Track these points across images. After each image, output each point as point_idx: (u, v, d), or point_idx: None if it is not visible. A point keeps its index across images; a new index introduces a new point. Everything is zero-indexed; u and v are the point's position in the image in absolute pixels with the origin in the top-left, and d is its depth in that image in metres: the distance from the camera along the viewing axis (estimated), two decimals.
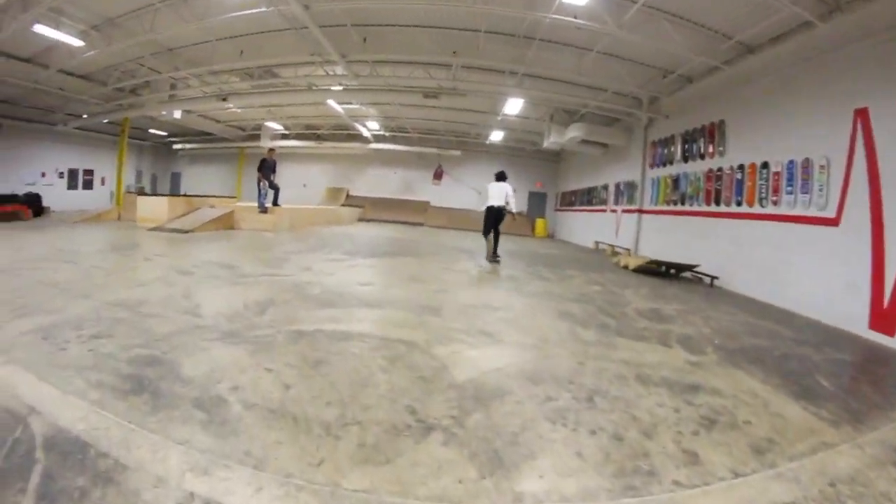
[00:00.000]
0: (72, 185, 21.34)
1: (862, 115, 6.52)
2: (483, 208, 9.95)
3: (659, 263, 10.60)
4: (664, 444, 2.51)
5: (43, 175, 19.61)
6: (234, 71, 13.33)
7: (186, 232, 11.25)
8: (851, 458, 2.54)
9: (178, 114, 17.60)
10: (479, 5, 8.40)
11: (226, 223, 13.12)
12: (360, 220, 23.37)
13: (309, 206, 20.16)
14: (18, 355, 3.01)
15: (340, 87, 13.83)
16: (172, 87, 14.93)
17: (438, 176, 25.23)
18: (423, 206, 25.07)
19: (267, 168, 14.17)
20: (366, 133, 22.30)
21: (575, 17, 8.09)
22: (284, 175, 24.26)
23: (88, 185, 22.25)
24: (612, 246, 16.00)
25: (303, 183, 24.13)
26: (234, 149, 25.73)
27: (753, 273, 8.73)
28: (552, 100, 13.70)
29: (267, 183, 14.34)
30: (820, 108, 7.42)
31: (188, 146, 26.10)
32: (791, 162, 7.94)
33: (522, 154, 24.00)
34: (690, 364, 3.98)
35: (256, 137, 23.46)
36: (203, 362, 3.19)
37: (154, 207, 13.02)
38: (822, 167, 7.17)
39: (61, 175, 20.75)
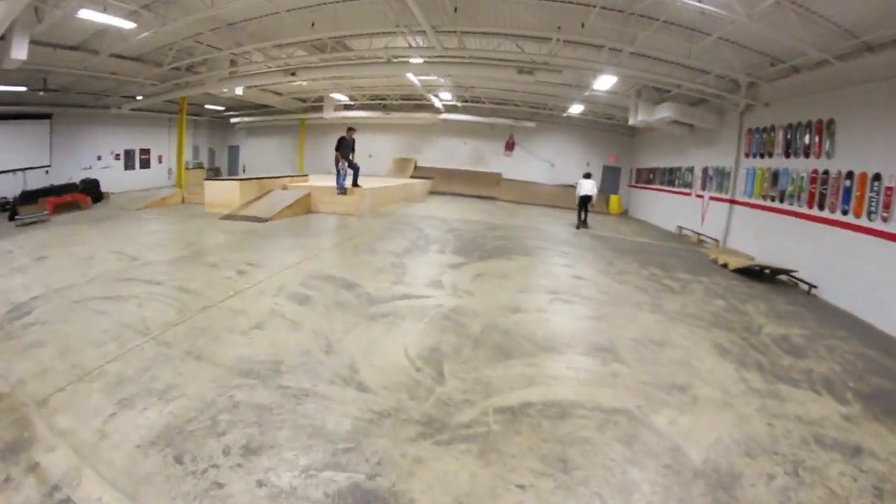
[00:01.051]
0: (129, 166, 21.77)
1: None
2: (577, 195, 16.16)
3: (761, 267, 10.86)
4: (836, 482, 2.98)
5: (99, 158, 19.97)
6: (300, 43, 13.07)
7: (265, 220, 11.05)
8: None
9: (239, 90, 17.52)
10: None
11: (303, 207, 12.91)
12: (431, 192, 23.59)
13: (383, 181, 19.16)
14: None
15: (421, 60, 13.33)
16: (233, 62, 14.70)
17: (510, 147, 25.27)
18: (496, 179, 25.11)
19: (346, 147, 14.13)
20: (438, 104, 22.40)
21: (700, 2, 8.15)
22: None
23: (146, 164, 22.65)
24: (698, 234, 16.17)
25: (368, 154, 23.36)
26: (294, 120, 25.87)
27: (856, 288, 8.81)
28: (648, 78, 13.34)
29: (346, 163, 14.33)
30: None
31: (246, 119, 25.96)
32: None
33: (597, 127, 24.04)
34: (846, 414, 4.43)
35: (318, 108, 23.77)
36: (436, 490, 2.67)
37: (224, 192, 12.72)
38: None
39: (117, 157, 21.11)
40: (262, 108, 24.26)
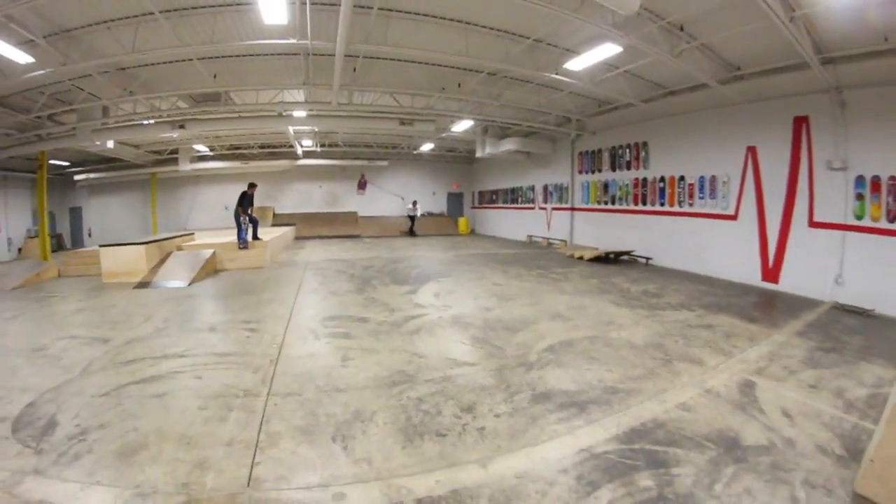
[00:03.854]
0: None
1: (752, 150, 11.95)
2: (407, 215, 25.96)
3: (608, 253, 15.69)
4: (707, 342, 7.26)
5: None
6: (182, 95, 13.27)
7: (188, 285, 10.97)
8: (774, 340, 7.47)
9: (111, 143, 16.95)
10: (497, 62, 10.87)
11: (212, 266, 12.77)
12: (297, 238, 25.03)
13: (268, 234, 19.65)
14: None
15: (304, 114, 15.18)
16: (105, 112, 13.87)
17: (363, 186, 28.40)
18: (353, 218, 28.01)
19: (247, 202, 14.52)
20: (299, 150, 24.27)
21: (565, 77, 11.46)
22: (207, 199, 25.63)
23: None
24: (547, 239, 21.33)
25: (224, 206, 23.75)
26: (144, 175, 24.74)
27: (679, 253, 14.20)
28: (500, 121, 17.08)
29: (247, 217, 15.19)
30: (725, 143, 12.38)
31: (92, 176, 24.22)
32: (702, 177, 13.36)
33: (440, 160, 28.81)
34: (697, 316, 8.74)
35: (171, 161, 23.83)
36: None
37: (127, 259, 11.87)
38: (724, 182, 12.63)
39: None
40: (109, 163, 23.15)
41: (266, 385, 4.97)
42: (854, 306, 9.41)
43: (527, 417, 4.60)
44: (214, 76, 11.69)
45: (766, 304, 9.81)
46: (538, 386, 5.46)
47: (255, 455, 3.63)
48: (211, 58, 10.75)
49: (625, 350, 6.79)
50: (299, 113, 15.24)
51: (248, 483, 3.27)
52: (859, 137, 9.63)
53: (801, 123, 10.80)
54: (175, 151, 22.65)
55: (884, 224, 9.21)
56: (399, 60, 11.55)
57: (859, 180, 9.63)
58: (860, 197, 9.61)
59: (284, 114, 15.30)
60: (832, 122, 10.07)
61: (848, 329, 8.09)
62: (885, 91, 9.12)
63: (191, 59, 10.55)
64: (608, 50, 9.38)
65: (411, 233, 25.70)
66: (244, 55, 10.86)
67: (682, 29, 9.08)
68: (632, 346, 6.95)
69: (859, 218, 9.65)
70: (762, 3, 6.95)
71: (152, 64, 10.95)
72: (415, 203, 26.06)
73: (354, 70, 11.53)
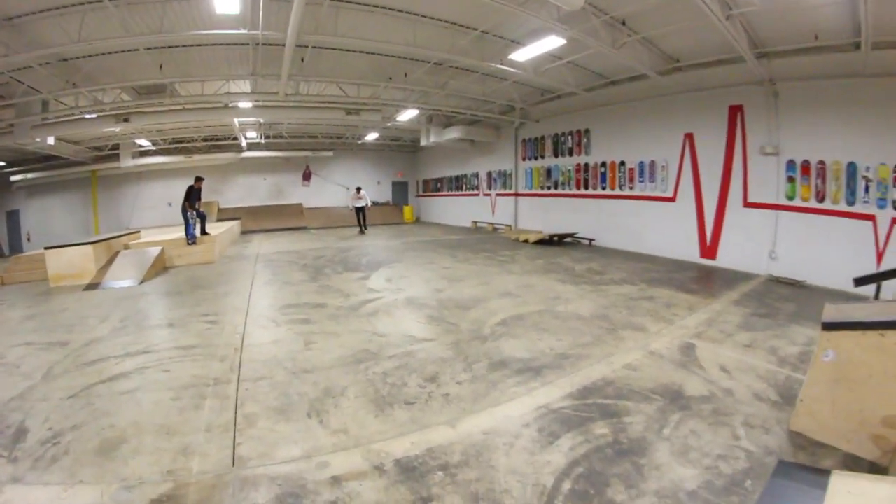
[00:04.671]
0: None
1: (689, 137, 12.55)
2: (353, 207, 22.00)
3: (551, 236, 16.23)
4: (649, 311, 7.69)
5: None
6: (126, 87, 12.76)
7: (139, 283, 10.59)
8: (712, 308, 7.97)
9: (51, 139, 16.07)
10: (444, 52, 10.80)
11: (161, 264, 12.42)
12: (243, 232, 24.35)
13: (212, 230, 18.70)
14: None
15: (250, 104, 14.79)
16: (44, 106, 13.16)
17: (307, 177, 27.98)
18: (299, 209, 27.53)
19: (194, 197, 14.14)
20: (243, 143, 23.58)
21: (510, 68, 11.58)
22: (150, 196, 24.45)
23: None
24: (492, 224, 21.71)
25: (168, 202, 22.76)
26: (84, 173, 23.27)
27: (620, 234, 14.78)
28: (445, 110, 17.19)
29: (195, 212, 14.83)
30: (663, 130, 13.15)
31: (30, 176, 22.55)
32: (642, 162, 13.90)
33: (385, 149, 28.68)
34: (639, 290, 9.20)
35: (112, 157, 22.59)
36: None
37: (75, 260, 11.27)
38: (663, 167, 13.19)
39: None
40: (47, 161, 21.57)
41: (235, 372, 4.98)
42: (787, 278, 10.14)
43: (487, 383, 4.90)
44: (161, 67, 11.26)
45: (705, 278, 10.39)
46: (494, 355, 5.73)
47: (235, 437, 3.66)
48: (158, 48, 10.40)
49: (572, 321, 7.12)
50: (245, 104, 14.87)
51: (234, 463, 3.31)
52: (790, 125, 10.35)
53: (736, 112, 11.45)
54: (116, 147, 21.56)
55: (813, 204, 9.96)
56: (347, 51, 11.50)
57: (790, 164, 10.33)
58: (791, 179, 10.32)
59: (230, 105, 14.96)
60: (765, 111, 10.75)
61: (781, 298, 8.69)
62: (814, 84, 9.85)
63: (137, 50, 10.24)
64: (552, 42, 9.55)
65: (362, 231, 22.07)
66: (192, 45, 10.48)
67: (624, 23, 9.33)
68: (579, 318, 7.29)
69: (790, 198, 10.36)
70: (700, 2, 7.31)
71: (97, 55, 10.41)
72: (359, 190, 21.88)
73: (303, 60, 11.42)
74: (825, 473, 2.68)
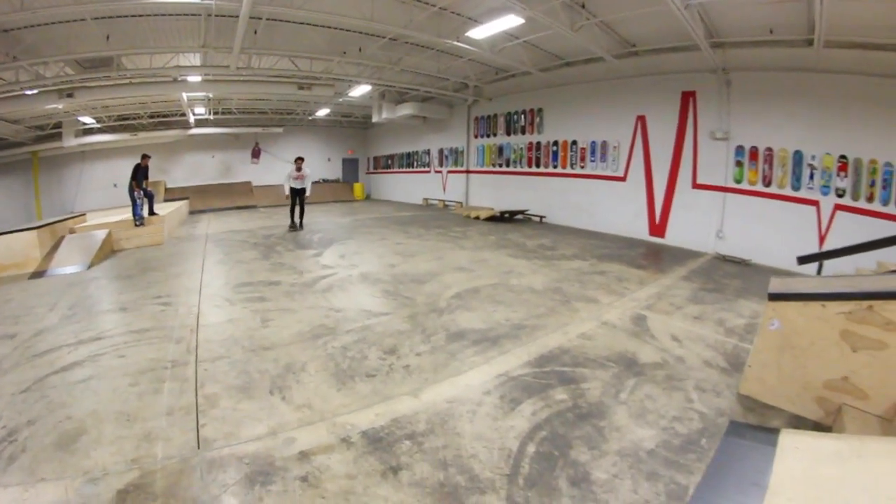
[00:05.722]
0: None
1: (641, 119, 12.80)
2: (287, 191, 14.71)
3: (502, 212, 16.38)
4: (600, 285, 7.89)
5: None
6: (69, 60, 11.78)
7: (87, 268, 9.92)
8: (661, 283, 8.25)
9: None
10: (400, 27, 10.57)
11: (108, 247, 11.69)
12: (192, 212, 23.30)
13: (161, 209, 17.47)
14: None
15: (199, 78, 14.06)
16: None
17: (256, 154, 27.09)
18: (248, 188, 26.70)
19: (141, 175, 13.45)
20: (191, 119, 22.62)
21: (466, 45, 11.49)
22: (95, 177, 23.07)
23: None
24: (443, 201, 21.74)
25: (113, 183, 21.71)
26: (23, 154, 21.30)
27: (571, 212, 15.04)
28: (398, 86, 17.33)
29: (142, 192, 14.07)
30: (616, 112, 13.41)
31: None
32: (594, 142, 14.12)
33: (336, 125, 28.05)
34: (591, 265, 9.40)
35: (55, 137, 20.92)
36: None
37: (17, 248, 10.34)
38: (615, 147, 13.44)
39: None
40: None
41: (192, 353, 4.84)
42: (733, 257, 10.59)
43: (446, 353, 4.96)
44: (108, 38, 10.49)
45: (654, 255, 10.63)
46: (451, 327, 5.78)
47: (198, 418, 3.56)
48: (106, 17, 9.73)
49: (526, 294, 7.25)
50: (195, 78, 14.04)
51: (199, 445, 3.22)
52: (741, 113, 10.76)
53: (688, 97, 11.77)
54: (59, 126, 20.32)
55: (760, 187, 10.43)
56: (302, 23, 11.12)
57: (739, 150, 10.76)
58: (739, 164, 10.76)
59: (179, 79, 14.06)
60: (717, 98, 11.12)
61: (728, 274, 9.05)
62: (766, 75, 10.25)
63: (84, 20, 9.52)
64: (511, 21, 9.50)
65: (295, 226, 15.04)
66: (142, 15, 9.96)
67: (583, 6, 9.35)
68: (532, 291, 7.43)
69: (738, 182, 10.82)
70: None
71: (41, 24, 9.70)
72: (300, 161, 14.63)
73: (256, 33, 10.93)
74: (774, 432, 2.83)
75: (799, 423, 3.62)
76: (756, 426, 3.43)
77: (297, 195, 14.41)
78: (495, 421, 3.62)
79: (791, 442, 2.61)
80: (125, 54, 12.09)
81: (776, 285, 4.13)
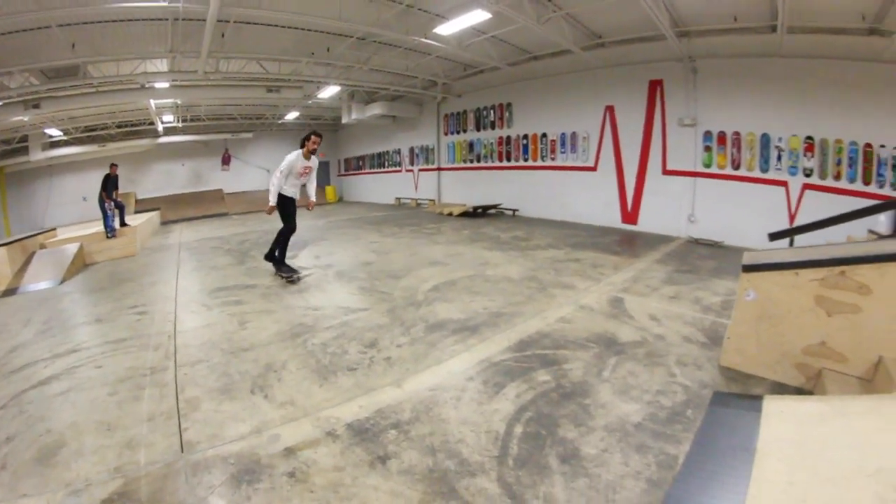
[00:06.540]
0: None
1: (610, 109, 12.88)
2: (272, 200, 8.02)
3: (475, 207, 16.34)
4: (576, 272, 7.90)
5: None
6: (34, 69, 11.36)
7: (59, 283, 9.62)
8: (636, 267, 8.29)
9: None
10: (369, 26, 10.39)
11: (81, 261, 11.36)
12: (163, 222, 22.65)
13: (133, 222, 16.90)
14: None
15: (167, 84, 13.76)
16: None
17: (227, 161, 26.67)
18: (219, 195, 26.21)
19: (111, 185, 13.11)
20: (160, 127, 22.03)
21: (434, 42, 11.99)
22: (64, 191, 22.35)
23: None
24: (416, 200, 21.63)
25: (82, 196, 21.03)
26: None
27: (543, 204, 15.06)
28: (368, 85, 17.22)
29: (112, 203, 13.63)
30: (584, 103, 13.49)
31: None
32: (563, 133, 14.16)
33: (306, 129, 26.83)
34: (565, 253, 9.41)
35: (20, 151, 20.19)
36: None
37: None
38: (584, 138, 13.51)
39: None
40: None
41: (171, 359, 4.73)
42: (706, 239, 10.74)
43: (426, 344, 4.91)
44: (73, 46, 10.20)
45: (628, 242, 10.65)
46: (430, 318, 5.73)
47: (180, 423, 3.48)
48: (72, 24, 9.44)
49: (503, 283, 7.22)
50: (163, 84, 13.74)
51: (182, 449, 3.14)
52: (708, 99, 10.94)
53: (656, 86, 11.90)
54: (25, 139, 19.83)
55: (729, 171, 10.64)
56: (269, 25, 10.82)
57: (707, 135, 10.93)
58: (708, 149, 10.93)
59: (147, 85, 13.74)
60: (684, 85, 11.27)
61: (701, 256, 9.16)
62: (731, 62, 10.43)
63: (49, 27, 9.25)
64: (478, 16, 9.41)
65: (292, 273, 8.28)
66: (108, 21, 9.65)
67: None
68: (509, 280, 7.40)
69: (707, 166, 11.00)
70: None
71: (3, 34, 9.35)
72: (315, 142, 8.10)
73: (223, 36, 10.65)
74: (758, 398, 2.82)
75: (781, 390, 3.63)
76: (740, 395, 3.45)
77: (288, 209, 8.14)
78: (480, 405, 3.58)
79: (775, 407, 2.60)
80: (92, 62, 11.82)
81: (749, 257, 4.17)
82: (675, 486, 2.37)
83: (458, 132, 18.64)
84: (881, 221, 5.64)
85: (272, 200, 7.62)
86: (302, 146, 7.87)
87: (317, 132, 7.91)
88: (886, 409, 2.39)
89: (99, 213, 13.45)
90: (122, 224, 14.32)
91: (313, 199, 8.55)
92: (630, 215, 12.54)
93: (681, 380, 3.88)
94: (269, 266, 8.45)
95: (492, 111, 16.84)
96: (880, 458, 2.01)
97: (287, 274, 7.91)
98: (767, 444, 2.34)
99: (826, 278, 3.56)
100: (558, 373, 4.07)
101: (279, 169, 7.71)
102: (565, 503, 2.55)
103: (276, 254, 8.17)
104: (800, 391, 3.58)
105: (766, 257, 4.15)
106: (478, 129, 17.58)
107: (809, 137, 9.32)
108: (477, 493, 2.64)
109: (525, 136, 15.53)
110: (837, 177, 9.01)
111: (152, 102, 16.56)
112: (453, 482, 2.72)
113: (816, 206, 9.08)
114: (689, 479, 2.39)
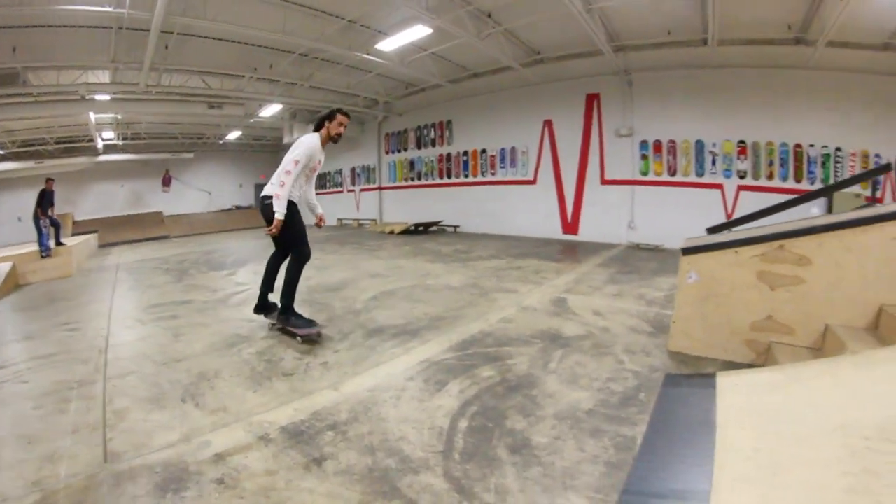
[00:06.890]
0: None
1: (548, 123, 13.02)
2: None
3: (416, 225, 16.17)
4: (518, 278, 7.79)
5: None
6: None
7: None
8: (579, 270, 8.27)
9: None
10: (312, 41, 10.42)
11: (13, 281, 10.92)
12: (102, 245, 21.39)
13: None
14: None
15: (108, 97, 13.37)
16: None
17: (167, 182, 25.45)
18: (159, 218, 25.12)
19: (46, 201, 12.44)
20: (100, 144, 21.06)
21: (376, 58, 11.52)
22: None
23: None
24: (357, 220, 21.28)
25: (17, 216, 19.33)
26: None
27: (485, 219, 15.02)
28: (308, 104, 16.80)
29: (48, 220, 12.77)
30: (523, 118, 13.66)
31: None
32: (503, 149, 14.22)
33: (247, 149, 26.88)
34: (507, 262, 9.31)
35: None
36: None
37: None
38: (524, 152, 13.59)
39: None
40: None
41: (100, 372, 4.45)
42: (646, 244, 10.91)
43: (365, 348, 4.68)
44: (14, 50, 9.77)
45: (569, 250, 10.75)
46: (369, 325, 5.50)
47: (105, 433, 3.21)
48: (12, 27, 8.97)
49: (444, 292, 7.03)
50: (103, 96, 13.34)
51: (106, 459, 2.89)
52: (643, 110, 11.26)
53: (593, 99, 12.16)
54: None
55: (666, 177, 10.94)
56: (213, 38, 10.71)
57: (643, 144, 11.22)
58: (644, 157, 11.21)
59: (88, 97, 13.10)
60: (620, 97, 11.57)
61: (642, 259, 9.24)
62: (666, 74, 10.83)
63: None
64: (419, 31, 9.56)
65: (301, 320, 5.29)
66: (51, 25, 9.25)
67: (489, 16, 9.56)
68: (450, 288, 7.22)
69: (644, 174, 11.25)
70: None
71: None
72: (342, 124, 5.13)
73: (167, 48, 10.46)
74: (711, 375, 2.69)
75: (732, 368, 3.53)
76: (692, 374, 3.35)
77: (299, 224, 5.35)
78: (421, 403, 3.35)
79: (729, 381, 2.50)
80: (32, 68, 11.29)
81: (689, 242, 4.19)
82: (636, 465, 2.20)
83: (399, 150, 18.49)
84: (814, 212, 5.71)
85: (281, 210, 4.78)
86: (318, 128, 5.12)
87: (342, 110, 5.11)
88: (838, 370, 2.34)
89: (35, 235, 12.61)
90: (58, 243, 13.41)
91: (321, 210, 5.87)
92: (570, 226, 12.62)
93: (630, 366, 3.74)
94: (207, 283, 8.20)
95: (432, 129, 16.78)
96: (842, 413, 1.91)
97: (305, 330, 4.98)
98: (727, 416, 2.23)
99: (766, 253, 3.54)
100: (502, 368, 3.87)
101: (294, 159, 4.87)
102: (519, 492, 2.36)
103: (291, 299, 5.19)
104: (751, 367, 3.48)
105: (706, 240, 4.18)
106: (419, 147, 17.48)
107: (742, 141, 9.69)
108: (422, 490, 2.43)
109: (465, 153, 15.51)
110: (770, 176, 9.39)
111: (92, 116, 16.07)
112: (395, 480, 2.52)
113: (752, 206, 9.16)
114: (649, 456, 2.22)
